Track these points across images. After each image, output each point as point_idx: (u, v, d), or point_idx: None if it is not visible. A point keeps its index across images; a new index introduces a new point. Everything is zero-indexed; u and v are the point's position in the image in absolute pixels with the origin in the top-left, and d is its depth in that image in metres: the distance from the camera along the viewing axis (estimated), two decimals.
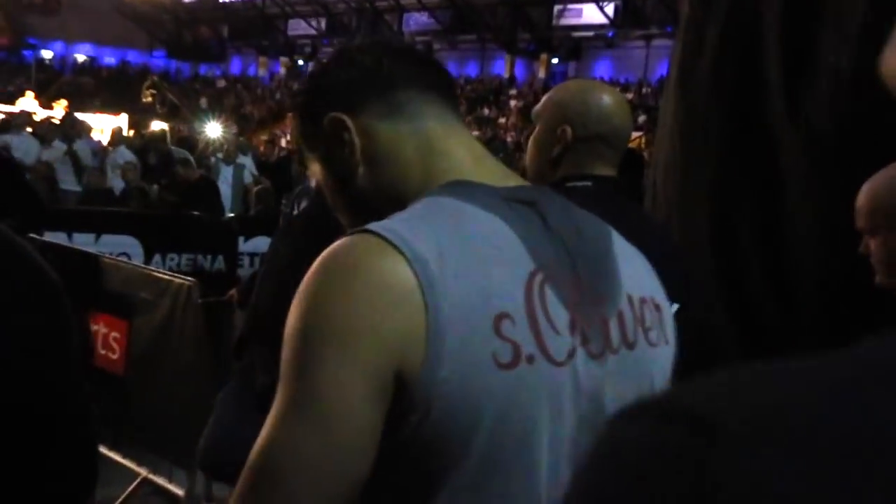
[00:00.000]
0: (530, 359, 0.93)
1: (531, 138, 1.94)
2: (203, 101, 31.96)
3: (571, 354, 0.97)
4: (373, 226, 0.95)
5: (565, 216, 1.05)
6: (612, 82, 27.30)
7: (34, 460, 0.96)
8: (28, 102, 18.60)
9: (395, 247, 0.92)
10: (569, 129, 1.84)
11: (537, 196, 1.04)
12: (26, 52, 38.11)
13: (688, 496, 0.32)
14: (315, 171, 1.17)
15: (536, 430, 0.95)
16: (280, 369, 0.95)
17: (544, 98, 1.95)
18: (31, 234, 4.72)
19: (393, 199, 1.03)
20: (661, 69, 24.17)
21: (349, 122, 1.06)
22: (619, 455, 0.34)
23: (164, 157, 9.58)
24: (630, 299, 1.06)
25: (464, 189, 1.01)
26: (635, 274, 1.10)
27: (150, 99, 25.58)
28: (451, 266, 0.92)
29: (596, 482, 0.34)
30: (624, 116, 1.93)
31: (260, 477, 0.91)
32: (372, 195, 1.08)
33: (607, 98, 1.91)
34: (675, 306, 1.86)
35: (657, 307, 1.12)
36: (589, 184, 1.85)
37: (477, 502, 0.94)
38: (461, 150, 1.08)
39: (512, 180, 1.08)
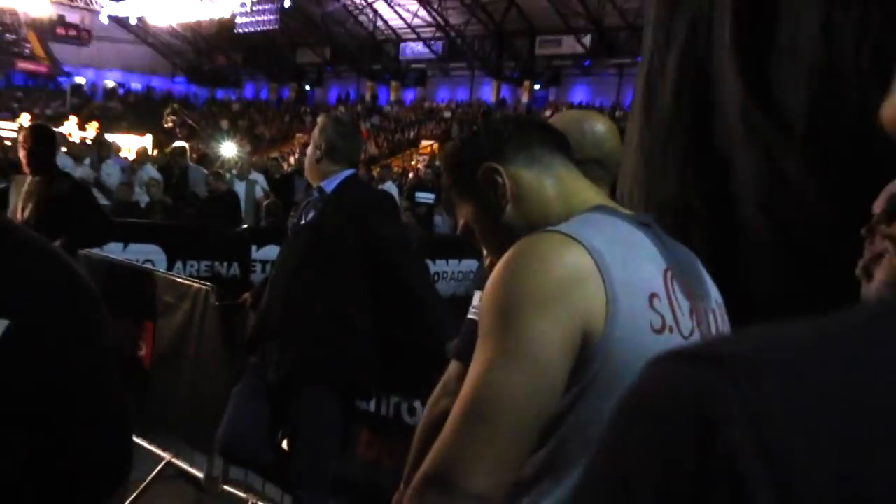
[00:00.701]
0: (671, 329, 1.12)
1: None
2: (224, 123, 31.90)
3: (691, 333, 1.16)
4: (552, 228, 1.13)
5: (669, 237, 1.25)
6: (588, 106, 27.32)
7: (79, 445, 0.97)
8: (72, 126, 18.53)
9: (575, 240, 1.09)
10: None
11: (651, 220, 1.25)
12: (62, 79, 38.02)
13: (692, 413, 0.34)
14: (464, 213, 1.33)
15: None
16: (481, 331, 1.07)
17: None
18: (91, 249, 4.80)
19: (536, 229, 1.17)
20: (632, 95, 24.08)
21: (502, 170, 1.26)
22: (643, 386, 0.37)
23: (182, 172, 9.53)
24: (717, 301, 1.28)
25: (604, 210, 1.22)
26: (712, 285, 1.30)
27: (170, 124, 25.57)
28: (615, 256, 1.09)
29: (626, 407, 0.38)
30: (615, 141, 1.95)
31: (473, 412, 1.01)
32: (519, 226, 1.24)
33: (600, 125, 1.93)
34: None
35: (723, 309, 1.31)
36: None
37: None
38: (588, 189, 1.30)
39: (625, 209, 1.28)
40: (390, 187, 10.84)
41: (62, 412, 0.93)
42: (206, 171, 9.93)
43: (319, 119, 3.13)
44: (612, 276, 1.07)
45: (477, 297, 1.76)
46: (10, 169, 8.61)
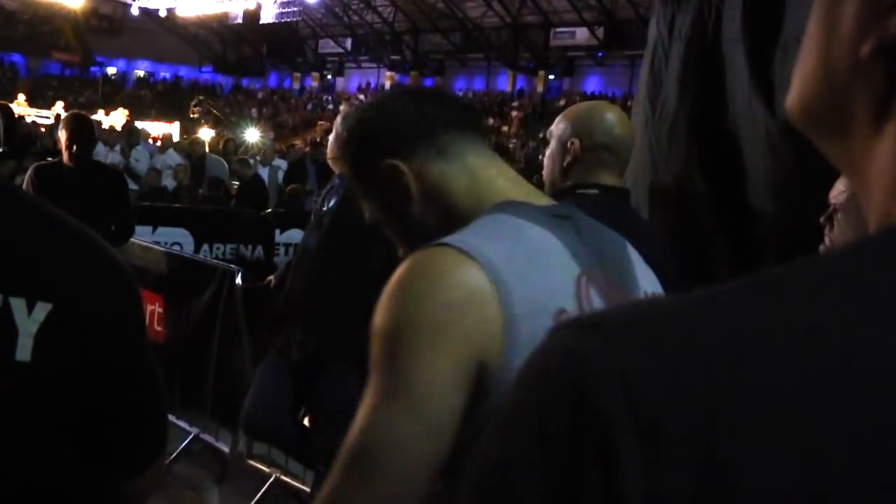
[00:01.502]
0: None
1: (547, 153, 1.97)
2: (254, 111, 31.96)
3: None
4: (447, 239, 0.96)
5: (593, 227, 1.08)
6: (601, 96, 27.18)
7: (124, 420, 0.97)
8: (118, 116, 18.64)
9: (469, 255, 0.92)
10: (577, 141, 1.86)
11: (570, 211, 1.07)
12: (94, 69, 38.19)
13: (567, 376, 0.35)
14: (367, 209, 1.18)
15: None
16: (370, 360, 0.93)
17: (557, 119, 1.97)
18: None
19: (446, 226, 1.03)
20: None
21: (404, 167, 1.08)
22: (533, 353, 0.38)
23: (200, 158, 9.52)
24: (645, 294, 1.10)
25: (513, 208, 1.03)
26: (644, 274, 1.13)
27: (196, 115, 25.71)
28: (516, 270, 0.93)
29: (518, 374, 0.38)
30: (624, 128, 1.94)
31: (359, 456, 0.89)
32: (427, 224, 1.09)
33: (610, 114, 1.93)
34: None
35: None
36: (596, 192, 1.86)
37: None
38: (501, 178, 1.11)
39: (544, 199, 1.11)
40: None
41: (108, 390, 0.93)
42: (221, 159, 9.94)
43: (343, 107, 3.11)
44: (511, 296, 0.91)
45: None
46: (46, 154, 8.66)
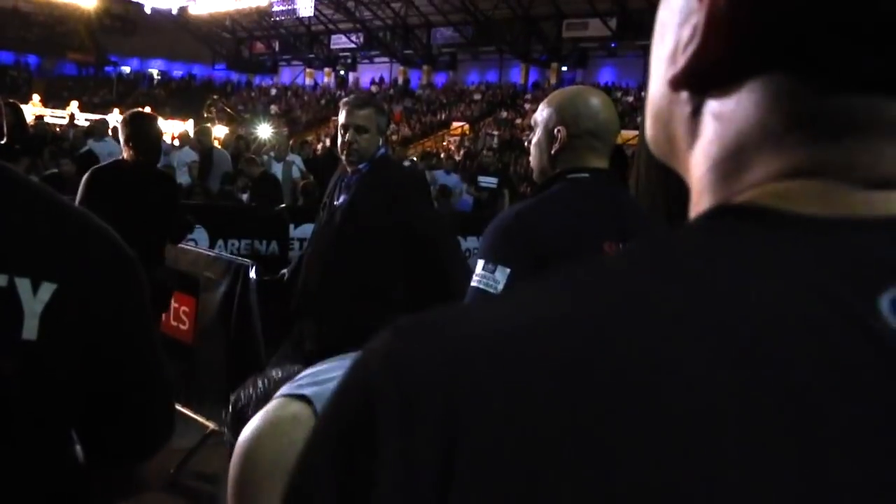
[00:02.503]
0: None
1: (533, 142, 1.97)
2: (272, 108, 31.99)
3: None
4: None
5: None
6: (615, 87, 27.04)
7: (127, 406, 0.98)
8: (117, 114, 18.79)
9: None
10: (563, 129, 1.88)
11: None
12: (108, 69, 38.41)
13: (362, 372, 0.37)
14: None
15: None
16: None
17: (540, 106, 1.98)
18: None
19: None
20: None
21: None
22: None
23: (207, 152, 9.52)
24: None
25: None
26: None
27: (211, 114, 25.86)
28: None
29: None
30: (608, 113, 1.95)
31: None
32: None
33: (594, 99, 1.94)
34: None
35: None
36: (587, 175, 1.88)
37: None
38: None
39: None
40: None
41: (113, 370, 0.94)
42: (226, 153, 9.95)
43: (343, 102, 3.11)
44: None
45: (479, 265, 1.78)
46: (60, 154, 8.72)
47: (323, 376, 0.91)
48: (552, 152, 1.90)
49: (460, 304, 0.40)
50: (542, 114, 1.94)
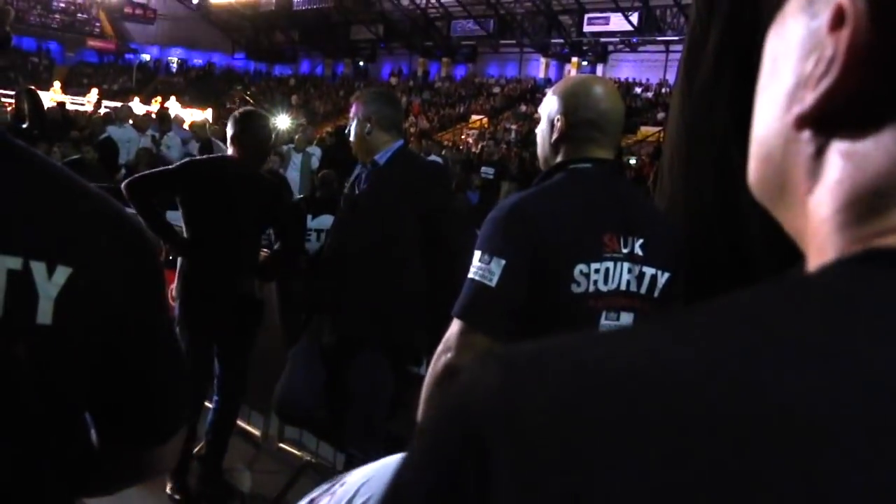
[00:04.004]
0: None
1: (537, 130, 1.96)
2: (294, 99, 32.00)
3: None
4: None
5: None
6: (635, 83, 26.89)
7: (143, 390, 0.97)
8: (173, 105, 18.90)
9: None
10: (562, 118, 1.85)
11: None
12: (129, 56, 38.62)
13: (460, 401, 0.36)
14: None
15: None
16: None
17: (547, 94, 1.95)
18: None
19: None
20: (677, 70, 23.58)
21: None
22: (448, 384, 0.38)
23: (206, 143, 9.53)
24: None
25: None
26: None
27: (235, 105, 26.16)
28: None
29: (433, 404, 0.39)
30: (611, 103, 1.90)
31: None
32: None
33: (597, 88, 1.90)
34: (667, 275, 1.85)
35: None
36: (589, 165, 1.85)
37: None
38: None
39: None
40: (435, 160, 10.88)
41: (128, 354, 0.94)
42: (221, 143, 9.98)
43: (355, 97, 3.08)
44: None
45: (476, 257, 1.75)
46: (80, 142, 8.77)
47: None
48: (552, 141, 1.87)
49: (572, 339, 0.37)
50: (546, 102, 1.92)
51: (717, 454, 0.30)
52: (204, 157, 3.64)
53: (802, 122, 0.38)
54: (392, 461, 0.86)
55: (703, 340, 0.34)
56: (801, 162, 0.40)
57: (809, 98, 0.38)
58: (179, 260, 3.37)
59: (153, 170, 3.74)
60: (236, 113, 3.52)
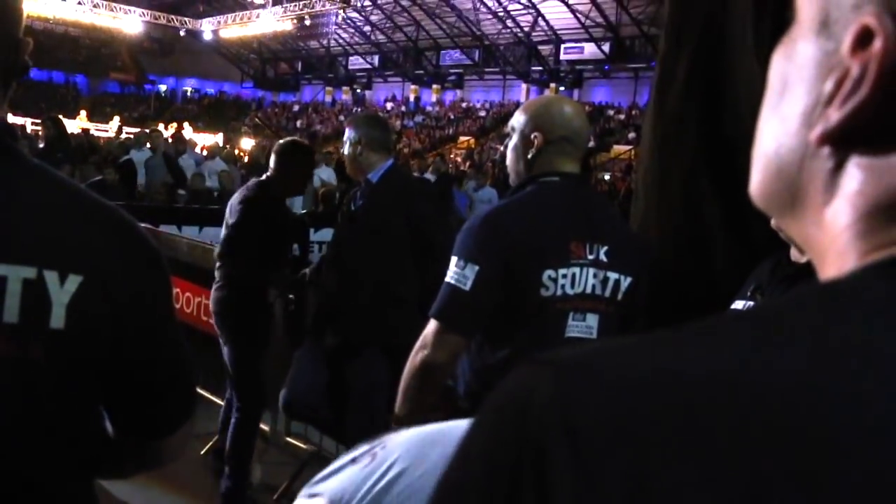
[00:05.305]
0: None
1: (509, 147, 1.92)
2: (299, 122, 31.95)
3: None
4: None
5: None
6: (608, 106, 27.00)
7: (151, 390, 0.97)
8: (187, 130, 18.91)
9: None
10: (539, 135, 1.83)
11: None
12: (147, 87, 38.55)
13: (514, 403, 0.35)
14: None
15: None
16: None
17: (516, 113, 1.93)
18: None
19: None
20: (646, 95, 23.75)
21: None
22: (497, 388, 0.37)
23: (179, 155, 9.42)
24: None
25: None
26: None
27: (248, 127, 26.10)
28: None
29: (481, 408, 0.38)
30: (581, 121, 1.93)
31: None
32: None
33: (567, 107, 1.91)
34: (629, 280, 1.84)
35: None
36: (557, 178, 1.84)
37: None
38: None
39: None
40: (428, 177, 10.97)
41: (137, 356, 0.93)
42: (221, 161, 10.03)
43: (347, 122, 3.09)
44: None
45: (453, 262, 1.75)
46: (102, 164, 8.73)
47: (329, 469, 0.85)
48: (528, 157, 1.85)
49: (616, 344, 0.36)
50: (518, 120, 1.89)
51: (788, 471, 0.29)
52: (259, 194, 3.20)
53: (826, 139, 0.37)
54: (429, 431, 0.83)
55: (766, 349, 0.32)
56: (819, 176, 0.39)
57: (835, 116, 0.36)
58: (225, 274, 3.29)
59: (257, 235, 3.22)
60: (279, 145, 3.34)
